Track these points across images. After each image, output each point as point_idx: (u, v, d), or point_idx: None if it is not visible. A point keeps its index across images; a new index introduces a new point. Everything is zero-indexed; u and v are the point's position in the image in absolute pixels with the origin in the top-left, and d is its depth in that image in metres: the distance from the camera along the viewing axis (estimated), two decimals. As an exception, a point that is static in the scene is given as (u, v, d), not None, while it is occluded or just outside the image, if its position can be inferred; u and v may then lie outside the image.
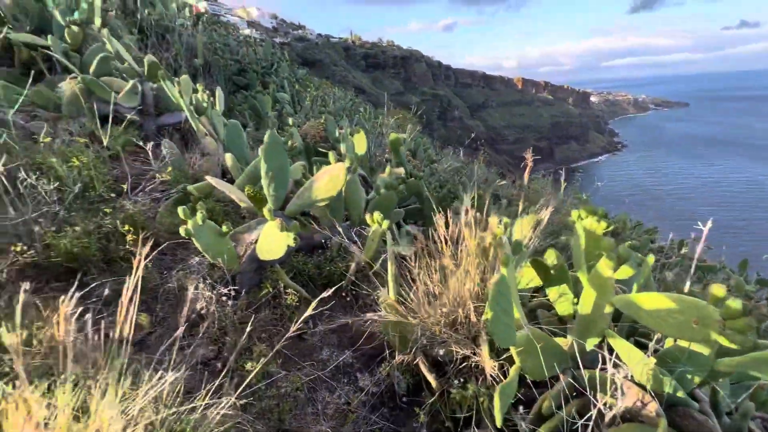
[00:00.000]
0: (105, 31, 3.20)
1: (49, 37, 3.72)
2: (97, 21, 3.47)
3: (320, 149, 4.16)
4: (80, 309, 1.26)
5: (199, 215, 1.88)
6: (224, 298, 1.82)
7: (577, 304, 1.54)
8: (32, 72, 4.03)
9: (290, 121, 4.00)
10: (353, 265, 2.23)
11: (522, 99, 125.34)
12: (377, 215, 2.04)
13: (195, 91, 3.60)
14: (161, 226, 2.38)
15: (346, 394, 1.85)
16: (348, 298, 2.29)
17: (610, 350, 1.38)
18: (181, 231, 1.83)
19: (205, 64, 5.63)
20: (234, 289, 1.91)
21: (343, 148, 4.20)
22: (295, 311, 2.04)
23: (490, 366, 1.55)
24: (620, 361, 1.34)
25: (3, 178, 2.14)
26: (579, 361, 1.39)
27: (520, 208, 2.77)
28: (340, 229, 2.34)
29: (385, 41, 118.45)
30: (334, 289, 2.23)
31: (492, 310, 1.31)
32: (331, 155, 2.39)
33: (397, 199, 2.52)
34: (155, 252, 2.11)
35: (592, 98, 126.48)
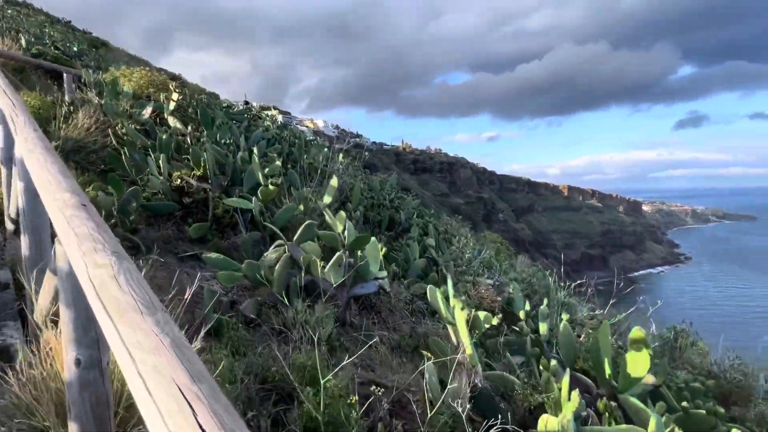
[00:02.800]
0: (340, 214, 3.05)
1: (253, 200, 3.76)
2: (327, 199, 3.42)
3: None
4: None
5: None
6: None
7: None
8: (219, 224, 4.05)
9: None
10: None
11: (569, 205, 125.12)
12: None
13: (390, 260, 3.27)
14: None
15: None
16: None
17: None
18: None
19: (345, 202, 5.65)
20: None
21: (542, 328, 3.58)
22: None
23: None
24: None
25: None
26: None
27: None
28: None
29: (433, 149, 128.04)
30: None
31: None
32: None
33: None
34: None
35: (644, 207, 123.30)
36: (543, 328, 3.53)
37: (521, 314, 3.83)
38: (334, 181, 3.63)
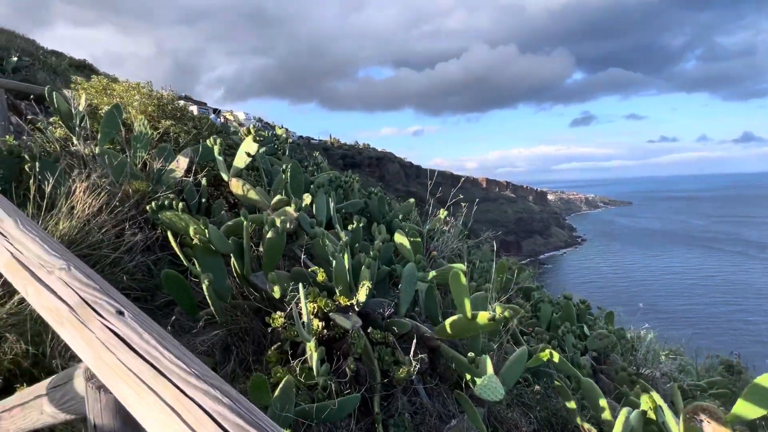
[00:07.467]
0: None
1: (488, 361, 2.06)
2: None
3: None
4: None
5: None
6: None
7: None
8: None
9: None
10: None
11: (487, 196, 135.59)
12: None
13: None
14: None
15: None
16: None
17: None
18: None
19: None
20: None
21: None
22: None
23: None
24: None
25: None
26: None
27: None
28: None
29: (361, 144, 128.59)
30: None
31: None
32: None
33: None
34: None
35: (549, 196, 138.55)
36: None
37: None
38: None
